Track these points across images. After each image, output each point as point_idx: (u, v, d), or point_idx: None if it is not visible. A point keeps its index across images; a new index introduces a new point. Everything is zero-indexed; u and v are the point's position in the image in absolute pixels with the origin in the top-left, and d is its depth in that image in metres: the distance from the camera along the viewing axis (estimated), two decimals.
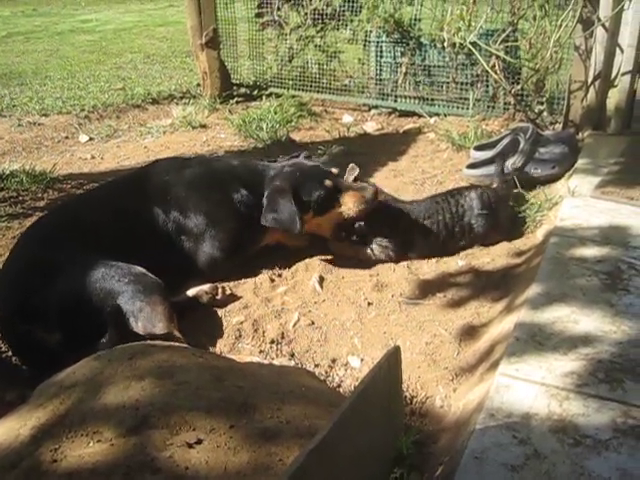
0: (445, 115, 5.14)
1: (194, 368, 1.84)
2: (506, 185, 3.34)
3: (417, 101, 5.36)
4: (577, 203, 3.18)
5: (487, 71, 4.63)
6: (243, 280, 3.00)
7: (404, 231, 3.10)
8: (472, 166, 3.92)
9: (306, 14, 5.69)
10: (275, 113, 5.14)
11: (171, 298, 2.59)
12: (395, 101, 5.50)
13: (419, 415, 2.13)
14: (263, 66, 6.25)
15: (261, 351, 2.52)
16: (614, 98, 4.23)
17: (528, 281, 2.54)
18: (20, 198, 3.88)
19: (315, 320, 2.69)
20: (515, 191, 3.55)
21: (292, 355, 2.49)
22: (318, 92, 5.80)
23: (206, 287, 2.83)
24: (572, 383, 1.87)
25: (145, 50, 9.22)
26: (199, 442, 1.52)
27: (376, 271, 3.02)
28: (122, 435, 1.54)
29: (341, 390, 2.29)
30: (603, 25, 4.03)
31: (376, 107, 5.65)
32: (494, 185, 3.30)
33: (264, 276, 3.02)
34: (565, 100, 4.40)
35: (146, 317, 2.42)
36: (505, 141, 3.86)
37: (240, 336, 2.61)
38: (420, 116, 5.34)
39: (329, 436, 1.34)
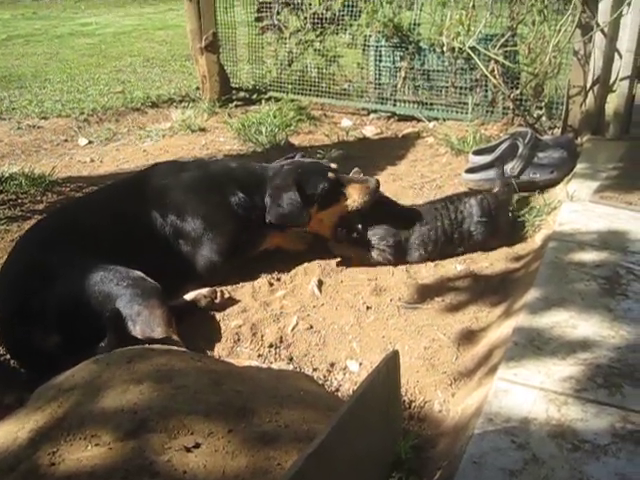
0: (444, 119, 5.14)
1: (192, 372, 1.84)
2: (507, 189, 3.33)
3: (416, 105, 5.36)
4: (576, 208, 3.19)
5: (486, 76, 4.64)
6: (242, 284, 3.00)
7: (402, 235, 3.09)
8: (471, 170, 3.92)
9: (305, 18, 5.69)
10: (274, 117, 5.14)
11: (169, 302, 2.59)
12: (394, 105, 5.50)
13: (418, 419, 2.13)
14: (262, 70, 6.24)
15: (259, 355, 2.52)
16: (613, 103, 4.23)
17: (527, 286, 2.54)
18: (19, 201, 3.87)
19: (314, 324, 2.69)
20: (515, 196, 3.55)
21: (290, 359, 2.49)
22: (317, 96, 5.80)
23: (205, 291, 2.83)
24: (571, 388, 1.88)
25: (144, 53, 9.23)
26: (197, 446, 1.52)
27: (375, 275, 3.02)
28: (120, 439, 1.54)
29: (339, 394, 2.29)
30: (602, 30, 4.04)
31: (375, 111, 5.65)
32: (495, 189, 3.29)
33: (263, 280, 3.02)
34: (564, 105, 4.40)
35: (144, 321, 2.42)
36: (504, 146, 3.87)
37: (238, 340, 2.61)
38: (419, 120, 5.34)
39: (327, 440, 1.34)
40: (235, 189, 3.05)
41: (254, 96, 6.16)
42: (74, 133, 5.56)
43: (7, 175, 4.12)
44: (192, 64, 6.91)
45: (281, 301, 2.87)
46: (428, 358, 2.41)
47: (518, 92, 4.63)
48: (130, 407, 1.63)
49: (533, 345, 2.09)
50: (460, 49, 4.64)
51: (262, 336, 2.63)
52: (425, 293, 2.84)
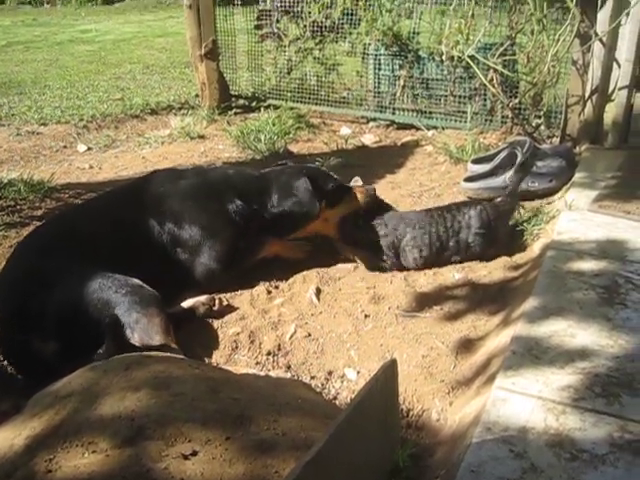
0: (443, 128, 5.15)
1: (190, 379, 1.84)
2: (509, 199, 3.32)
3: (415, 114, 5.37)
4: (574, 217, 3.19)
5: (485, 84, 4.64)
6: (240, 291, 3.00)
7: (396, 235, 3.12)
8: (470, 179, 3.92)
9: (305, 26, 5.70)
10: (273, 125, 5.15)
11: (168, 309, 2.59)
12: (393, 114, 5.51)
13: (415, 428, 2.13)
14: (262, 78, 6.26)
15: (257, 363, 2.52)
16: (611, 112, 4.24)
17: (525, 294, 2.54)
18: (18, 207, 3.87)
19: (312, 332, 2.69)
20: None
21: (288, 367, 2.49)
22: (316, 104, 5.81)
23: (203, 298, 2.83)
24: (569, 397, 1.87)
25: (144, 61, 9.24)
26: (195, 454, 1.52)
27: (373, 283, 3.01)
28: (117, 446, 1.54)
29: (337, 402, 2.29)
30: (600, 40, 4.05)
31: (374, 119, 5.66)
32: (498, 199, 3.29)
33: (261, 288, 3.01)
34: (562, 114, 4.41)
35: (143, 329, 2.42)
36: (502, 154, 3.87)
37: (236, 347, 2.61)
38: (418, 129, 5.34)
39: (325, 448, 1.33)
40: (233, 196, 3.05)
41: (253, 104, 6.17)
42: (73, 139, 5.56)
43: (6, 181, 4.11)
44: (191, 71, 6.93)
45: (279, 309, 2.86)
46: (426, 366, 2.40)
47: (517, 101, 4.64)
48: (127, 414, 1.63)
49: (531, 354, 2.09)
50: (459, 58, 4.65)
51: (260, 344, 2.62)
52: (423, 301, 2.84)
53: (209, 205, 3.05)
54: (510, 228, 3.35)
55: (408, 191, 4.10)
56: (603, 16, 4.00)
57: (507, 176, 3.77)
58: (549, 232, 3.18)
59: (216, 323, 2.78)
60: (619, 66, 4.13)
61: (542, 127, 4.67)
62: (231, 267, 3.03)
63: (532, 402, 1.86)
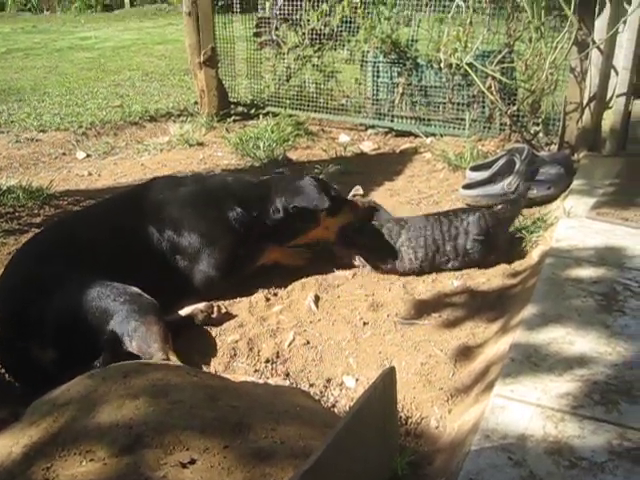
0: (441, 135, 5.16)
1: (188, 387, 1.84)
2: (511, 207, 3.32)
3: (413, 121, 5.38)
4: (572, 224, 3.19)
5: (483, 92, 4.66)
6: (238, 299, 2.99)
7: (391, 238, 3.15)
8: (468, 186, 3.93)
9: (304, 34, 5.71)
10: (272, 132, 5.15)
11: (166, 317, 2.58)
12: (392, 121, 5.52)
13: (414, 436, 2.12)
14: (261, 85, 6.27)
15: (256, 370, 2.51)
16: (609, 120, 4.25)
17: (523, 302, 2.54)
18: (16, 214, 3.88)
19: (310, 339, 2.69)
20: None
21: (287, 374, 2.48)
22: (315, 111, 5.82)
23: (201, 306, 2.82)
24: (567, 404, 1.87)
25: (143, 68, 9.25)
26: (193, 462, 1.52)
27: (372, 291, 3.01)
28: (115, 454, 1.53)
29: (336, 410, 2.28)
30: (598, 48, 4.06)
31: (373, 127, 5.67)
32: (499, 206, 3.29)
33: (260, 295, 3.01)
34: (561, 121, 4.42)
35: (141, 337, 2.42)
36: (501, 162, 3.88)
37: (235, 355, 2.61)
38: (416, 136, 5.35)
39: (324, 457, 1.33)
40: (233, 203, 3.06)
41: (252, 111, 6.17)
42: (72, 146, 5.57)
43: (5, 188, 4.12)
44: (191, 78, 6.93)
45: (278, 316, 2.86)
46: (425, 374, 2.40)
47: (515, 108, 4.65)
48: (126, 422, 1.63)
49: (530, 361, 2.09)
50: (457, 65, 4.66)
51: (259, 351, 2.62)
52: (422, 309, 2.84)
53: (208, 212, 3.05)
54: (509, 235, 3.35)
55: (407, 198, 4.11)
56: (600, 24, 4.01)
57: (505, 183, 3.78)
58: (547, 239, 3.19)
59: (215, 331, 2.77)
60: (617, 74, 4.14)
61: (540, 134, 4.68)
62: (230, 274, 3.03)
63: (531, 410, 1.86)
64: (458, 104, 5.13)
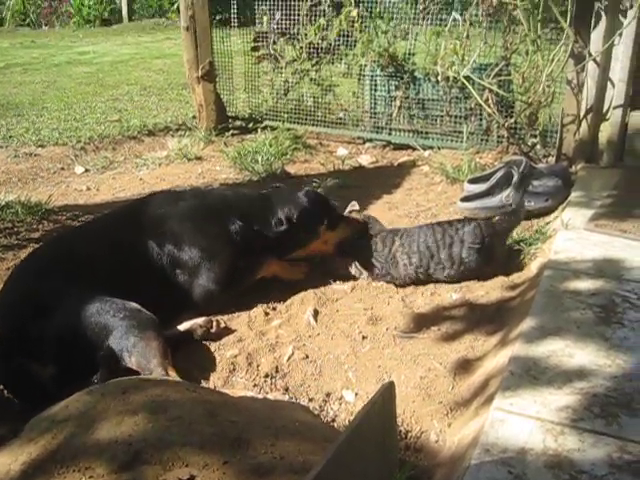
0: (439, 148, 5.16)
1: (187, 403, 1.83)
2: (507, 219, 3.33)
3: (411, 134, 5.39)
4: (571, 236, 3.20)
5: (480, 105, 4.67)
6: (237, 313, 3.00)
7: (385, 244, 3.19)
8: (466, 199, 3.93)
9: (301, 48, 5.73)
10: (270, 146, 5.17)
11: (165, 332, 2.58)
12: (389, 134, 5.53)
13: (414, 450, 2.12)
14: (259, 99, 6.29)
15: (255, 385, 2.51)
16: (606, 131, 4.27)
17: (522, 314, 2.54)
18: (15, 229, 3.88)
19: (309, 354, 2.68)
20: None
21: (286, 389, 2.48)
22: (313, 125, 5.83)
23: (200, 321, 2.82)
24: (567, 418, 1.87)
25: (142, 82, 9.27)
26: (192, 478, 1.52)
27: (370, 304, 3.02)
28: (114, 471, 1.53)
29: (335, 425, 2.28)
30: (594, 60, 4.08)
31: (370, 140, 5.68)
32: (496, 218, 3.30)
33: (259, 309, 3.01)
34: (558, 133, 4.44)
35: (140, 352, 2.42)
36: (499, 174, 3.88)
37: (234, 370, 2.60)
38: (414, 149, 5.36)
39: (323, 472, 1.33)
40: (233, 217, 3.07)
41: (250, 125, 6.18)
42: (71, 161, 5.57)
43: (3, 203, 4.12)
44: (189, 93, 6.94)
45: (277, 331, 2.86)
46: (424, 388, 2.40)
47: (512, 121, 4.66)
48: (125, 439, 1.62)
49: (529, 374, 2.09)
50: (455, 78, 4.68)
51: (258, 366, 2.62)
52: (421, 322, 2.84)
53: (209, 226, 3.06)
54: (507, 247, 3.35)
55: (405, 211, 4.11)
56: (596, 36, 4.04)
57: (503, 195, 3.79)
58: (546, 251, 3.19)
59: (213, 345, 2.77)
60: (613, 86, 4.16)
61: (538, 146, 4.69)
62: (230, 288, 3.04)
63: (530, 423, 1.86)
64: (456, 117, 5.14)
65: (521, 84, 4.51)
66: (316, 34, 5.55)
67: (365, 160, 5.29)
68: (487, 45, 4.69)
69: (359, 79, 5.63)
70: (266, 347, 2.73)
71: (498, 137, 4.91)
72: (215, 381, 2.54)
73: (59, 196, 4.66)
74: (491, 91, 4.61)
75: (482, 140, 4.99)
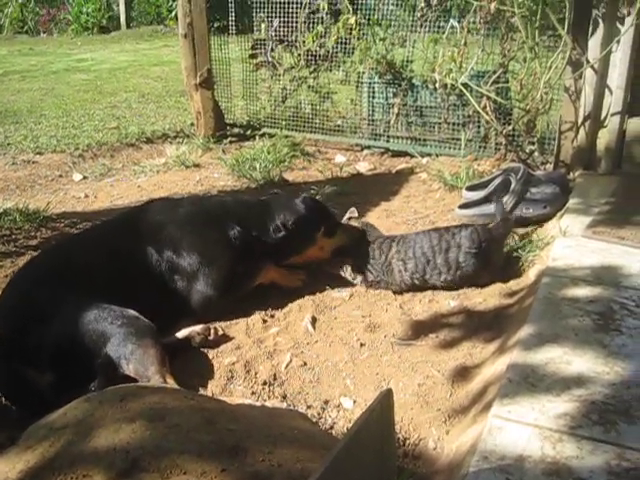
0: (437, 155, 5.17)
1: (185, 410, 1.83)
2: (504, 225, 3.34)
3: (409, 141, 5.40)
4: (569, 243, 3.20)
5: (478, 112, 4.68)
6: (235, 321, 3.00)
7: (381, 250, 3.21)
8: (464, 206, 3.94)
9: (299, 55, 5.74)
10: (268, 153, 5.17)
11: (163, 339, 2.58)
12: (387, 141, 5.54)
13: (412, 457, 2.11)
14: (256, 106, 6.29)
15: (253, 392, 2.50)
16: (604, 138, 4.27)
17: (520, 322, 2.54)
18: (13, 236, 3.87)
19: (307, 361, 2.68)
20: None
21: (284, 397, 2.47)
22: (311, 132, 5.84)
23: (198, 328, 2.82)
24: (565, 425, 1.87)
25: (140, 89, 9.27)
26: None
27: (368, 312, 3.02)
28: (112, 479, 1.53)
29: (334, 432, 2.27)
30: (592, 67, 4.09)
31: (369, 147, 5.69)
32: (492, 224, 3.31)
33: (256, 317, 3.01)
34: (556, 140, 4.44)
35: (138, 360, 2.42)
36: (497, 181, 3.89)
37: (232, 377, 2.60)
38: (412, 156, 5.36)
39: (322, 479, 1.33)
40: (232, 222, 3.08)
41: (248, 132, 6.19)
42: (69, 168, 5.57)
43: (1, 211, 4.12)
44: (187, 100, 6.94)
45: (275, 338, 2.86)
46: (422, 395, 2.40)
47: (510, 128, 4.67)
48: (122, 446, 1.62)
49: (527, 382, 2.09)
50: (452, 86, 4.69)
51: (256, 373, 2.62)
52: (419, 329, 2.84)
53: (208, 232, 3.07)
54: (505, 254, 3.36)
55: (403, 219, 4.12)
56: (594, 43, 4.05)
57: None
58: (544, 258, 3.19)
59: (211, 353, 2.77)
60: (611, 93, 4.17)
61: (536, 153, 4.70)
62: (228, 293, 3.04)
63: (529, 430, 1.86)
64: (453, 124, 5.15)
65: (519, 91, 4.52)
66: (314, 41, 5.56)
67: (363, 167, 5.29)
68: (485, 52, 4.70)
69: (357, 86, 5.64)
70: (264, 354, 2.73)
71: (496, 144, 4.92)
72: (213, 389, 2.54)
73: (57, 203, 4.66)
74: (489, 98, 4.62)
75: (480, 147, 5.00)
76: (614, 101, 4.16)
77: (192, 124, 6.45)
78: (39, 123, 7.18)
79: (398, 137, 5.47)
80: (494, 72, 4.57)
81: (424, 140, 5.33)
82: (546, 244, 3.36)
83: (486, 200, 3.87)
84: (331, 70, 5.74)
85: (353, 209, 3.50)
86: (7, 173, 5.43)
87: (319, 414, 2.38)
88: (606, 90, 4.21)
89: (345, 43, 5.49)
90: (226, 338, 2.86)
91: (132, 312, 2.58)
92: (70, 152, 5.94)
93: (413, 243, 3.16)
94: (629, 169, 4.26)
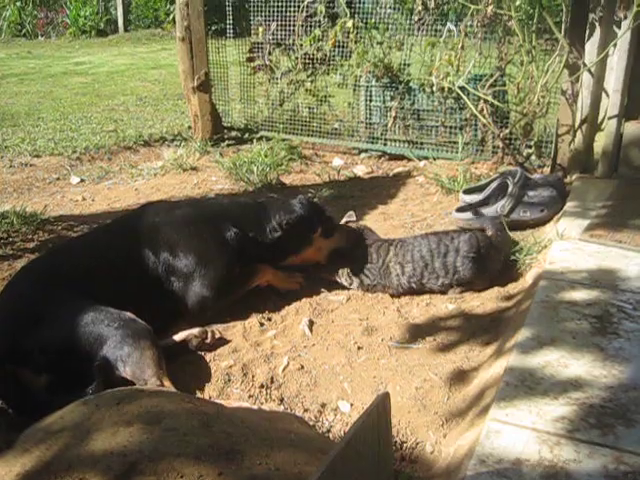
0: (434, 159, 5.17)
1: (182, 414, 1.82)
2: (502, 233, 3.34)
3: (406, 145, 5.40)
4: (566, 246, 3.20)
5: (475, 115, 4.68)
6: (232, 324, 2.99)
7: (379, 254, 3.21)
8: (461, 209, 3.94)
9: (297, 58, 5.75)
10: (266, 156, 5.16)
11: (160, 342, 2.58)
12: (385, 145, 5.54)
13: (409, 461, 2.11)
14: (254, 109, 6.29)
15: (250, 396, 2.50)
16: (601, 142, 4.28)
17: (518, 325, 2.54)
18: (10, 239, 3.87)
19: (305, 364, 2.68)
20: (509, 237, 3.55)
21: (281, 400, 2.47)
22: (308, 135, 5.84)
23: (195, 331, 2.82)
24: (563, 428, 1.87)
25: (137, 92, 9.28)
26: None
27: (366, 315, 3.01)
28: None
29: (331, 435, 2.27)
30: (589, 70, 4.10)
31: (366, 150, 5.69)
32: (489, 232, 3.31)
33: (254, 320, 3.01)
34: (553, 144, 4.45)
35: (135, 362, 2.41)
36: (494, 185, 3.89)
37: (229, 380, 2.60)
38: (410, 160, 5.37)
39: None
40: (229, 224, 3.08)
41: (246, 135, 6.20)
42: (66, 171, 5.56)
43: None
44: (184, 103, 6.95)
45: (272, 341, 2.86)
46: (420, 398, 2.39)
47: (507, 131, 4.68)
48: (119, 450, 1.62)
49: (525, 385, 2.08)
50: (450, 89, 4.70)
51: (253, 377, 2.61)
52: (416, 333, 2.84)
53: (204, 232, 3.07)
54: (502, 260, 3.35)
55: (400, 222, 4.12)
56: (591, 47, 4.06)
57: (499, 206, 3.80)
58: (541, 262, 3.19)
59: (209, 356, 2.77)
60: (607, 96, 4.18)
61: (533, 157, 4.70)
62: (225, 295, 3.04)
63: (526, 434, 1.85)
64: (451, 127, 5.15)
65: (516, 95, 4.54)
66: (311, 45, 5.56)
67: (360, 170, 5.30)
68: (482, 56, 4.71)
69: (354, 90, 5.64)
70: (261, 358, 2.73)
71: (493, 147, 4.92)
72: (210, 392, 2.54)
73: (54, 206, 4.66)
74: (486, 102, 4.63)
75: (477, 150, 5.00)
76: (611, 104, 4.16)
77: (189, 127, 6.45)
78: (37, 126, 7.17)
79: (395, 140, 5.47)
80: (491, 75, 4.58)
81: (421, 143, 5.34)
82: (543, 247, 3.36)
83: (483, 203, 3.87)
84: (328, 73, 5.74)
85: (351, 212, 3.51)
86: (4, 176, 5.42)
87: (316, 417, 2.37)
88: (603, 93, 4.21)
89: (342, 46, 5.49)
90: (223, 341, 2.86)
91: (129, 314, 2.58)
92: (68, 155, 5.94)
93: (411, 247, 3.16)
94: (626, 172, 4.26)
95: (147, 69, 11.65)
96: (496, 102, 4.59)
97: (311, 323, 2.97)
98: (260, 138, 5.98)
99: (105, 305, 2.58)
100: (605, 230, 3.34)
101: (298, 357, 2.73)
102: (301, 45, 5.65)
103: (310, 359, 2.72)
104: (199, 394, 2.52)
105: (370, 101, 5.50)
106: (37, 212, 4.18)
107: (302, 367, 2.66)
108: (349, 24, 5.25)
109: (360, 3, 5.33)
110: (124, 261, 2.89)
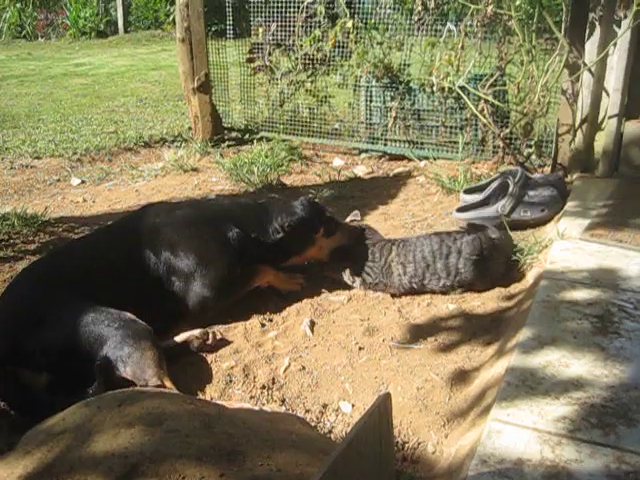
0: (435, 159, 5.17)
1: (184, 415, 1.82)
2: (504, 235, 3.34)
3: (407, 145, 5.40)
4: (567, 246, 3.20)
5: (476, 115, 4.68)
6: (233, 325, 2.99)
7: (381, 253, 3.22)
8: (462, 209, 3.94)
9: (297, 59, 5.74)
10: (266, 157, 5.16)
11: (161, 343, 2.58)
12: (385, 145, 5.53)
13: (411, 461, 2.11)
14: (254, 110, 6.29)
15: (252, 397, 2.50)
16: (601, 141, 4.28)
17: (519, 325, 2.54)
18: (11, 241, 3.88)
19: (306, 365, 2.68)
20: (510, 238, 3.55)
21: (283, 401, 2.47)
22: (309, 136, 5.84)
23: (196, 332, 2.82)
24: (564, 428, 1.87)
25: (138, 93, 9.28)
26: None
27: (367, 315, 3.01)
28: None
29: (332, 436, 2.27)
30: (589, 70, 4.10)
31: (366, 151, 5.68)
32: (490, 233, 3.31)
33: (255, 321, 3.01)
34: (553, 143, 4.45)
35: (135, 363, 2.42)
36: (494, 184, 3.89)
37: (230, 381, 2.60)
38: (410, 160, 5.37)
39: None
40: (229, 223, 3.08)
41: (246, 136, 6.20)
42: (67, 173, 5.56)
43: None
44: (184, 104, 6.95)
45: (273, 342, 2.86)
46: (421, 399, 2.39)
47: (508, 131, 4.68)
48: (121, 451, 1.62)
49: (526, 385, 2.08)
50: (450, 89, 4.70)
51: (254, 377, 2.61)
52: (417, 333, 2.84)
53: (205, 233, 3.07)
54: (504, 264, 3.34)
55: (401, 222, 4.12)
56: (591, 46, 4.06)
57: (499, 206, 3.80)
58: (542, 261, 3.19)
59: (210, 357, 2.77)
60: (608, 95, 4.18)
61: (533, 156, 4.70)
62: (226, 295, 3.04)
63: (527, 434, 1.85)
64: (451, 127, 5.15)
65: (516, 94, 4.53)
66: (311, 45, 5.56)
67: (361, 171, 5.29)
68: (482, 56, 4.70)
69: (354, 90, 5.64)
70: (262, 358, 2.73)
71: (494, 147, 4.91)
72: (211, 393, 2.54)
73: (55, 208, 4.66)
74: (486, 101, 4.62)
75: (478, 150, 5.00)
76: (611, 104, 4.16)
77: (190, 128, 6.45)
78: (37, 127, 7.17)
79: (396, 140, 5.47)
80: (491, 75, 4.58)
81: (422, 143, 5.33)
82: (544, 247, 3.36)
83: (484, 203, 3.87)
84: (329, 74, 5.74)
85: (356, 212, 3.54)
86: (5, 178, 5.42)
87: (318, 418, 2.37)
88: (603, 93, 4.21)
89: (342, 47, 5.49)
90: (224, 342, 2.86)
91: (129, 315, 2.58)
92: (68, 156, 5.94)
93: (414, 247, 3.16)
94: (626, 171, 4.26)
95: (147, 70, 11.65)
96: (496, 102, 4.58)
97: (312, 324, 2.97)
98: (260, 139, 5.99)
99: (106, 306, 2.58)
100: (606, 229, 3.34)
101: (299, 358, 2.73)
102: (301, 46, 5.64)
103: (311, 360, 2.72)
104: (200, 395, 2.52)
105: (370, 101, 5.50)
106: (38, 214, 4.19)
107: (303, 368, 2.66)
108: (349, 24, 5.25)
109: (360, 3, 5.33)
110: (125, 262, 2.89)
